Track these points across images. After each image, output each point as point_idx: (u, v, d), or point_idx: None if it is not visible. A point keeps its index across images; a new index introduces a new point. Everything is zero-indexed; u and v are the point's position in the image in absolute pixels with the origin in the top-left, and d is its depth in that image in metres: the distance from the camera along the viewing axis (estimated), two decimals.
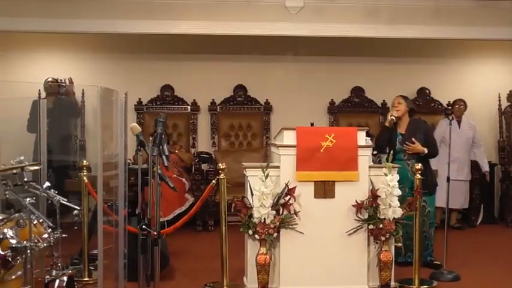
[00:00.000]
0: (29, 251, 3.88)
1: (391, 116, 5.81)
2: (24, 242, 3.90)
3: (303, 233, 4.86)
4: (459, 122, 7.56)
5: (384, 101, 8.54)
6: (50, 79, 7.28)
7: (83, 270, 5.28)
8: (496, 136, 8.45)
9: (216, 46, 8.22)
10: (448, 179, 5.62)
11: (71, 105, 7.49)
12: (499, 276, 5.53)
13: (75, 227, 5.24)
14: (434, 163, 7.56)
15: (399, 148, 5.69)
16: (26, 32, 7.58)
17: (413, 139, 5.68)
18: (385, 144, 5.70)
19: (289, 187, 4.81)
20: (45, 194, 4.62)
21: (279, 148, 4.96)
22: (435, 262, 5.75)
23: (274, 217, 4.77)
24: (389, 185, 4.84)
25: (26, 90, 6.89)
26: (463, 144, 7.67)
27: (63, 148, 7.18)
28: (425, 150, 5.71)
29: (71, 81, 7.30)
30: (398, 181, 4.93)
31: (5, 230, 3.96)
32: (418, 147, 5.69)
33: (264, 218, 4.75)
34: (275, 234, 4.81)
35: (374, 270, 5.00)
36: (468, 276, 5.46)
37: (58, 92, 7.37)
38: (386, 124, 5.86)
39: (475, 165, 7.87)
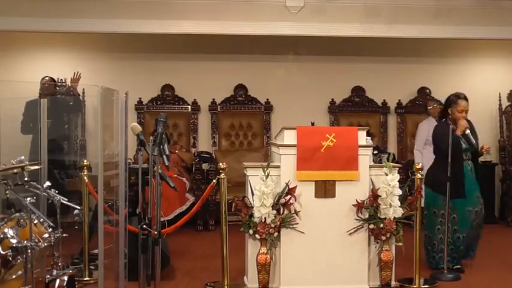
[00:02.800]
0: (29, 250, 3.87)
1: (466, 129, 5.57)
2: (25, 242, 3.89)
3: (303, 233, 4.86)
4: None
5: (384, 100, 8.55)
6: (47, 78, 7.25)
7: (84, 269, 5.27)
8: (497, 136, 8.44)
9: (217, 46, 8.22)
10: (449, 179, 5.61)
11: (69, 105, 7.49)
12: (500, 275, 5.52)
13: (76, 227, 5.24)
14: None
15: (465, 148, 5.58)
16: (26, 31, 7.59)
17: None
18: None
19: (290, 187, 4.80)
20: (46, 194, 4.63)
21: (280, 148, 4.96)
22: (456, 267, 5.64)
23: (275, 217, 4.77)
24: (389, 185, 4.84)
25: (26, 90, 6.90)
26: None
27: (61, 148, 7.19)
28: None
29: (78, 77, 7.28)
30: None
31: (6, 230, 3.96)
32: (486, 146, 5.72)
33: (265, 218, 4.75)
34: (275, 234, 4.81)
35: (375, 270, 5.01)
36: (469, 276, 5.46)
37: (55, 92, 7.36)
38: (458, 133, 5.54)
39: None
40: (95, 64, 8.11)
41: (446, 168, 5.40)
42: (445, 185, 5.43)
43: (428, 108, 7.65)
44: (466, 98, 5.73)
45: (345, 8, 7.49)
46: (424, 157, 7.37)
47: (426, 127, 7.37)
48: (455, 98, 5.74)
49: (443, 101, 8.27)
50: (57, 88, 7.65)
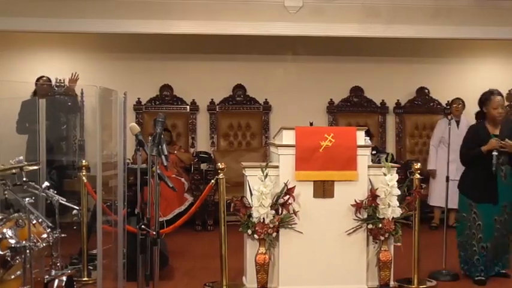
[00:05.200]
0: (28, 250, 3.87)
1: (495, 149, 5.12)
2: (24, 242, 3.90)
3: (302, 233, 4.86)
4: (458, 122, 7.54)
5: (382, 100, 8.56)
6: (44, 78, 7.23)
7: (82, 270, 5.28)
8: None
9: (215, 46, 8.22)
10: (447, 179, 5.62)
11: (67, 105, 7.48)
12: (499, 276, 5.52)
13: (74, 227, 5.24)
14: (433, 163, 7.61)
15: (499, 152, 5.15)
16: (26, 31, 7.59)
17: (506, 140, 5.11)
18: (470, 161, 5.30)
19: (289, 187, 4.80)
20: (44, 194, 4.63)
21: (278, 148, 4.96)
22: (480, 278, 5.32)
23: (274, 217, 4.77)
24: (388, 185, 4.84)
25: (25, 90, 6.90)
26: None
27: (58, 149, 7.18)
28: None
29: (76, 78, 7.27)
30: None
31: (4, 230, 3.96)
32: None
33: (263, 218, 4.75)
34: (274, 234, 4.81)
35: (373, 270, 5.01)
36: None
37: (51, 92, 7.35)
38: (485, 149, 5.16)
39: None
40: (93, 64, 8.11)
41: (474, 172, 5.26)
42: (471, 189, 5.28)
43: (453, 106, 7.64)
44: (500, 94, 5.35)
45: (343, 8, 7.49)
46: (438, 155, 7.43)
47: (443, 125, 7.39)
48: (489, 95, 5.31)
49: (444, 100, 8.35)
50: (56, 88, 7.65)
